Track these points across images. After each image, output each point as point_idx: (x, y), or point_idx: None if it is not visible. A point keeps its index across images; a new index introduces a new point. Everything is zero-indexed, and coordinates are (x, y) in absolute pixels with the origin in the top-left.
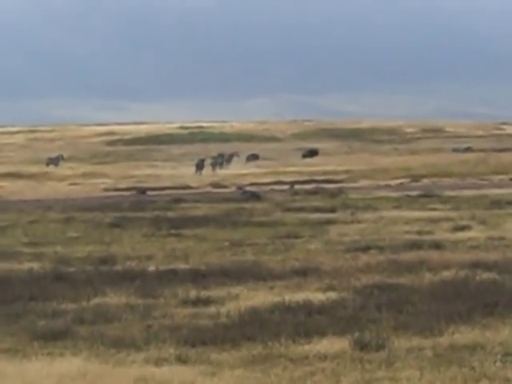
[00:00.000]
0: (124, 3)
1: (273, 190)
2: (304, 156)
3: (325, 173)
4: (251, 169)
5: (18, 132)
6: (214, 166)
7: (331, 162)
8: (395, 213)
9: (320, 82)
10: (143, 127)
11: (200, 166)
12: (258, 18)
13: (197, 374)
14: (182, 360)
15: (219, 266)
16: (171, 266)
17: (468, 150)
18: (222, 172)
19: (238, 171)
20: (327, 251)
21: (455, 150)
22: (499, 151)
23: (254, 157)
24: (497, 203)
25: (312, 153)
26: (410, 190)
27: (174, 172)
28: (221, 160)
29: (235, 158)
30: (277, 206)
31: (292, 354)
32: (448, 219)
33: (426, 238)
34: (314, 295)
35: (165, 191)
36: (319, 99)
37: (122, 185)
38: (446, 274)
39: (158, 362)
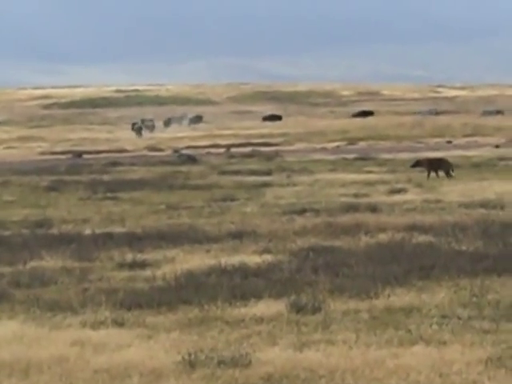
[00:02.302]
0: None
1: (209, 153)
2: (265, 119)
3: (261, 136)
4: (188, 132)
5: None
6: (150, 128)
7: (267, 125)
8: (331, 176)
9: (257, 45)
10: (79, 90)
11: (139, 129)
12: None
13: (133, 337)
14: (118, 323)
15: (155, 229)
16: (107, 230)
17: (499, 113)
18: (158, 135)
19: (174, 134)
20: (263, 214)
21: (485, 113)
22: (436, 114)
23: (197, 119)
24: None
25: (274, 117)
26: (347, 152)
27: (110, 135)
28: (168, 122)
29: (184, 121)
30: (213, 168)
31: (228, 317)
32: (384, 182)
33: (363, 200)
34: (250, 258)
35: (101, 154)
36: (256, 62)
37: (58, 148)
38: (382, 237)
39: (95, 325)
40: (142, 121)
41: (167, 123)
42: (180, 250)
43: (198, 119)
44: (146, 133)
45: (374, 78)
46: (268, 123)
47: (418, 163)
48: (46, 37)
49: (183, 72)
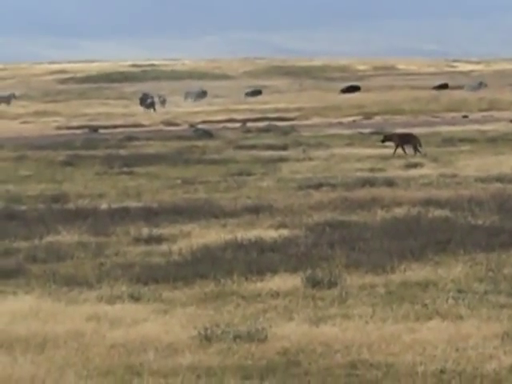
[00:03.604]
0: None
1: (225, 127)
2: (343, 91)
3: (277, 110)
4: (203, 106)
5: None
6: (162, 102)
7: (283, 100)
8: (347, 150)
9: (272, 20)
10: (95, 65)
11: (152, 103)
12: None
13: (149, 311)
14: (134, 298)
15: (171, 203)
16: (123, 204)
17: None
18: (174, 109)
19: (190, 109)
20: (279, 189)
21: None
22: (452, 88)
23: (256, 92)
24: (449, 140)
25: (352, 88)
26: (362, 127)
27: (126, 110)
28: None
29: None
30: (229, 143)
31: (244, 292)
32: (400, 157)
33: (379, 175)
34: (266, 233)
35: (117, 129)
36: (271, 37)
37: (74, 123)
38: (399, 211)
39: (111, 300)
40: (145, 95)
41: (200, 96)
42: (196, 225)
43: (256, 93)
44: (157, 107)
45: (388, 52)
46: (347, 95)
47: (386, 138)
48: (62, 11)
49: (199, 47)
